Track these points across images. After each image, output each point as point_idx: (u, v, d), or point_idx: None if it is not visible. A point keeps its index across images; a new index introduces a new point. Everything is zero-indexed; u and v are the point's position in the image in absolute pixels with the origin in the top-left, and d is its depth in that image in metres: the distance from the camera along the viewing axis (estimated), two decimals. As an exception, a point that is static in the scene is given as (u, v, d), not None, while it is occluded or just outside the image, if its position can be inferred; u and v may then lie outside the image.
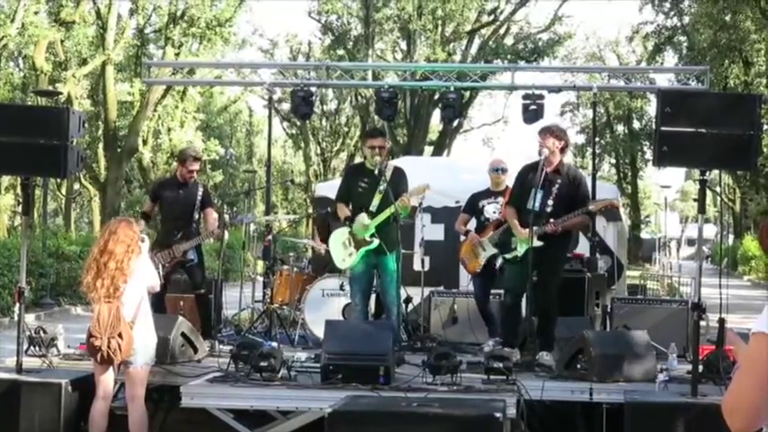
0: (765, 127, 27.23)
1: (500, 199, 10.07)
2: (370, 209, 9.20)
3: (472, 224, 10.65)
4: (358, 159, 37.12)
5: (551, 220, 8.74)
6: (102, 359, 6.87)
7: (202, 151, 40.71)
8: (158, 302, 9.16)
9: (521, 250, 8.84)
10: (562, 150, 8.93)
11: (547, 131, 8.95)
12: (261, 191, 30.35)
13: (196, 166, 10.21)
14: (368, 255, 9.22)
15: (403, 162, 14.95)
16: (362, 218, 9.18)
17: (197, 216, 10.16)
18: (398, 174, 9.39)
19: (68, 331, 9.30)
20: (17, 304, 8.19)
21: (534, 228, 8.64)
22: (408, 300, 10.74)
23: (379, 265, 9.30)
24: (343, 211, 9.44)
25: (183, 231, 9.87)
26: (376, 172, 9.20)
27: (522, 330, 9.12)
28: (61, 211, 42.70)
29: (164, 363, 8.04)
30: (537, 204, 8.69)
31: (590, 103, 39.74)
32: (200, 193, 10.15)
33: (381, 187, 9.14)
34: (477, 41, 40.06)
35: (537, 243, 8.66)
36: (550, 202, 8.80)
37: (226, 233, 10.12)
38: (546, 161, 8.79)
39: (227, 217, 10.62)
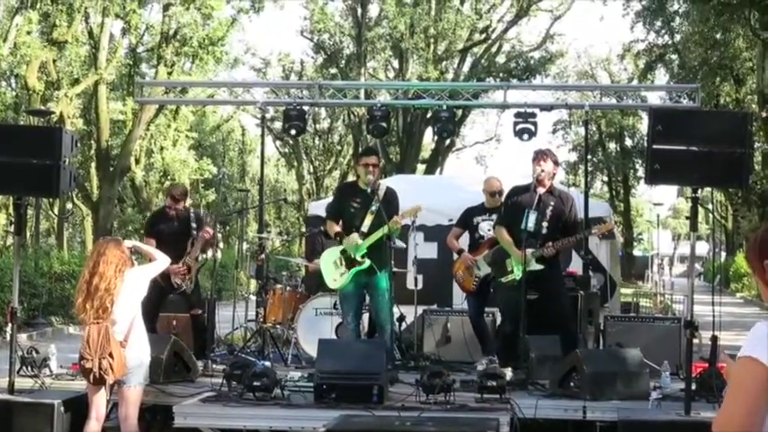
0: (757, 144, 27.37)
1: (494, 216, 10.06)
2: (362, 229, 9.18)
3: (465, 240, 10.66)
4: (350, 178, 37.14)
5: (549, 243, 8.85)
6: (95, 380, 6.85)
7: (195, 170, 40.75)
8: (150, 323, 9.15)
9: (518, 273, 8.86)
10: (554, 176, 9.15)
11: (546, 154, 9.07)
12: (254, 209, 30.33)
13: (180, 205, 10.52)
14: (358, 274, 9.21)
15: (395, 180, 15.00)
16: (354, 237, 9.18)
17: (191, 245, 10.33)
18: (390, 195, 9.38)
19: (61, 351, 9.29)
20: (9, 324, 8.18)
21: (531, 250, 8.73)
22: (402, 318, 10.73)
23: (369, 284, 9.29)
24: (333, 227, 9.45)
25: (180, 260, 10.07)
26: (368, 191, 9.20)
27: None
28: (53, 230, 42.58)
29: (156, 382, 8.02)
30: (532, 225, 8.75)
31: (582, 120, 39.60)
32: (191, 220, 10.43)
33: (373, 207, 9.13)
34: (469, 60, 40.13)
35: (537, 266, 8.74)
36: (545, 223, 8.90)
37: (219, 253, 10.19)
38: (539, 183, 8.89)
39: (219, 236, 10.70)
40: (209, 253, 10.94)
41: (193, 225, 10.42)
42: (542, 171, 8.94)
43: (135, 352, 6.96)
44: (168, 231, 10.31)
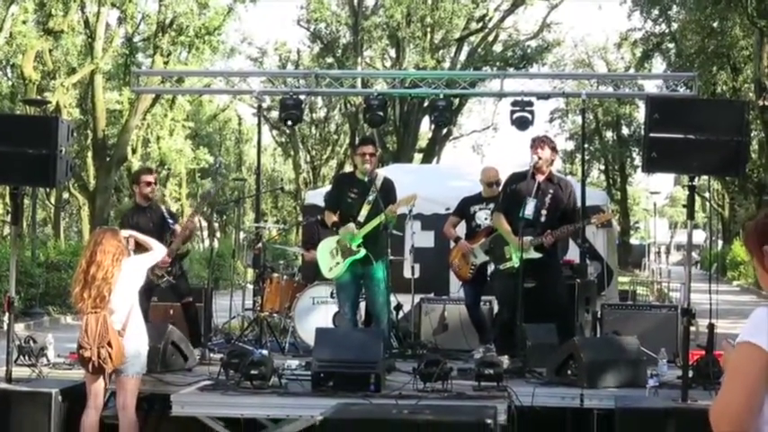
0: (753, 133, 27.37)
1: (492, 205, 10.04)
2: (359, 219, 9.19)
3: (462, 229, 10.65)
4: (347, 167, 37.12)
5: (548, 231, 8.83)
6: (93, 369, 6.85)
7: (192, 160, 40.71)
8: (143, 313, 9.13)
9: (516, 261, 8.84)
10: (552, 162, 9.12)
11: (544, 141, 9.05)
12: (250, 199, 30.33)
13: (150, 178, 10.33)
14: (354, 264, 9.21)
15: (392, 169, 14.98)
16: (350, 226, 9.18)
17: (170, 237, 10.08)
18: (388, 184, 9.38)
19: (58, 340, 9.26)
20: (6, 314, 8.17)
21: (530, 238, 8.73)
22: (399, 307, 10.73)
23: (365, 274, 9.28)
24: (331, 217, 9.46)
25: None
26: (366, 181, 9.20)
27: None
28: (50, 220, 42.60)
29: (154, 371, 8.02)
30: (530, 213, 8.74)
31: (579, 109, 39.84)
32: (165, 214, 10.24)
33: (370, 198, 9.14)
34: (465, 49, 40.11)
35: (535, 255, 8.73)
36: (544, 211, 8.87)
37: (216, 243, 10.15)
38: (537, 170, 8.87)
39: (216, 225, 10.64)
40: (206, 242, 10.85)
41: (169, 220, 10.16)
42: (539, 159, 8.91)
43: (133, 341, 6.97)
44: (146, 225, 9.82)
